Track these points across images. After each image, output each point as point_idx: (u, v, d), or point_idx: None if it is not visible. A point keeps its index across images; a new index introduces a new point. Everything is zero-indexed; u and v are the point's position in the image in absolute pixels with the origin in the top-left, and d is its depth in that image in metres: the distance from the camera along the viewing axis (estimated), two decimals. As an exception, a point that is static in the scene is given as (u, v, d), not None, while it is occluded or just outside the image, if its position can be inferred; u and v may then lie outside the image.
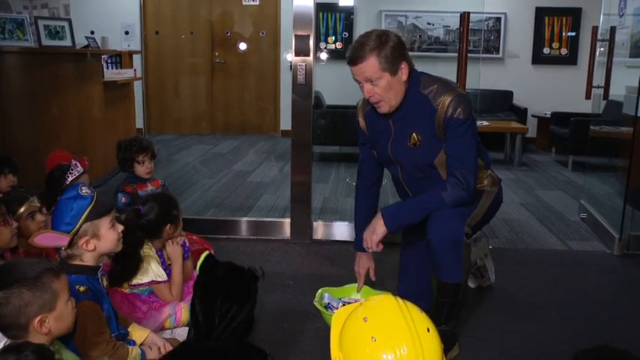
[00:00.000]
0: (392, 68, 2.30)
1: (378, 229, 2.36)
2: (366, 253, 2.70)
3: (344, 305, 2.67)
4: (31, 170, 3.54)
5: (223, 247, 3.64)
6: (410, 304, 1.41)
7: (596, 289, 3.20)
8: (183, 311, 2.54)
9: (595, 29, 4.50)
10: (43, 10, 6.10)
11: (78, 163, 2.84)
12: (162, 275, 2.55)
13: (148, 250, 2.58)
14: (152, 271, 2.52)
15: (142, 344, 2.15)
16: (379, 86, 2.32)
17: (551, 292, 3.13)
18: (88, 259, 2.01)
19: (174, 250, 2.66)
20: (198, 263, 1.95)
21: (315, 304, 2.63)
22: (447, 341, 2.37)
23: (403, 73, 2.33)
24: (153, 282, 2.53)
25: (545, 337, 2.64)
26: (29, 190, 2.68)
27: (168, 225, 2.62)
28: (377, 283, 2.82)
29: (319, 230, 3.92)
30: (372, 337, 1.32)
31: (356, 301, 2.72)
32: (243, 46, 8.40)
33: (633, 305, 3.01)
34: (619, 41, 4.50)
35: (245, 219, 4.08)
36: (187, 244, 2.81)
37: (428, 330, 1.36)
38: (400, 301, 1.41)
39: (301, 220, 3.88)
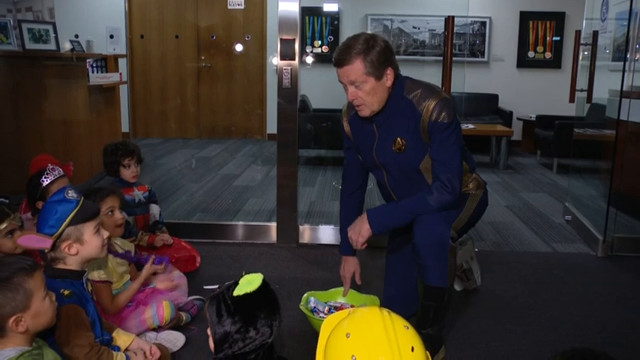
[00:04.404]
0: (377, 73, 2.30)
1: (363, 230, 2.37)
2: (352, 257, 2.70)
3: (330, 309, 2.68)
4: (15, 175, 3.51)
5: (209, 251, 3.64)
6: (396, 318, 1.38)
7: (581, 290, 3.23)
8: (165, 309, 2.52)
9: (578, 33, 4.54)
10: (27, 14, 6.06)
11: (56, 167, 2.80)
12: (101, 276, 2.45)
13: None
14: (93, 271, 2.43)
15: (127, 349, 2.14)
16: (363, 90, 2.32)
17: (536, 294, 3.15)
18: (72, 263, 2.00)
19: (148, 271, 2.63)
20: (247, 283, 1.63)
21: (302, 308, 2.63)
22: (433, 344, 2.38)
23: (388, 78, 2.34)
24: (90, 280, 2.39)
25: (530, 339, 2.65)
26: (14, 199, 2.60)
27: None
28: (363, 287, 2.82)
29: (305, 234, 3.92)
30: (353, 356, 1.30)
31: (342, 305, 2.73)
32: (239, 47, 8.38)
33: (617, 307, 3.04)
34: (602, 45, 4.55)
35: (231, 223, 4.07)
36: (133, 253, 2.74)
37: (412, 349, 1.33)
38: (386, 314, 1.38)
39: (287, 223, 3.87)
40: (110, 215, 2.60)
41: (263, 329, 1.53)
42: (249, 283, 1.54)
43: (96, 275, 2.44)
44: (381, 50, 2.29)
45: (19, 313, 1.63)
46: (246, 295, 1.52)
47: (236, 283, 1.55)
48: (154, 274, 2.71)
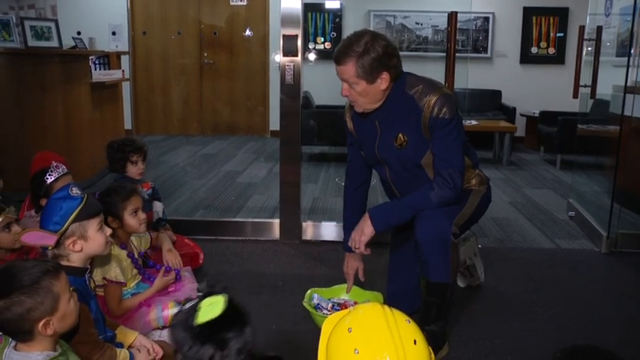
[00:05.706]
0: (369, 78, 2.30)
1: (365, 229, 2.37)
2: (355, 254, 2.70)
3: (333, 306, 2.68)
4: (18, 172, 3.51)
5: (213, 248, 3.64)
6: (397, 313, 1.37)
7: (585, 287, 3.22)
8: (171, 310, 2.51)
9: (582, 29, 4.53)
10: (30, 11, 6.07)
11: (60, 164, 2.79)
12: (118, 277, 2.46)
13: (117, 250, 2.50)
14: (111, 270, 2.44)
15: (130, 346, 2.14)
16: (355, 90, 2.35)
17: (540, 291, 3.14)
18: (75, 260, 1.99)
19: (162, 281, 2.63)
20: (210, 307, 1.53)
21: (305, 304, 2.63)
22: (436, 341, 2.37)
23: (382, 82, 2.33)
24: (106, 279, 2.44)
25: (534, 335, 2.65)
26: (16, 195, 2.60)
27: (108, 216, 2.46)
28: (366, 284, 2.82)
29: (308, 231, 3.92)
30: (355, 349, 1.29)
31: (345, 302, 2.73)
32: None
33: (620, 303, 3.03)
34: (605, 41, 4.53)
35: (234, 220, 4.07)
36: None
37: (415, 342, 1.32)
38: (387, 309, 1.37)
39: (290, 220, 3.87)
40: (134, 215, 2.59)
41: (235, 348, 1.46)
42: (212, 306, 1.45)
43: (113, 275, 2.45)
44: (376, 57, 2.28)
45: (48, 316, 1.61)
46: (212, 321, 1.44)
47: (196, 309, 1.46)
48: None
